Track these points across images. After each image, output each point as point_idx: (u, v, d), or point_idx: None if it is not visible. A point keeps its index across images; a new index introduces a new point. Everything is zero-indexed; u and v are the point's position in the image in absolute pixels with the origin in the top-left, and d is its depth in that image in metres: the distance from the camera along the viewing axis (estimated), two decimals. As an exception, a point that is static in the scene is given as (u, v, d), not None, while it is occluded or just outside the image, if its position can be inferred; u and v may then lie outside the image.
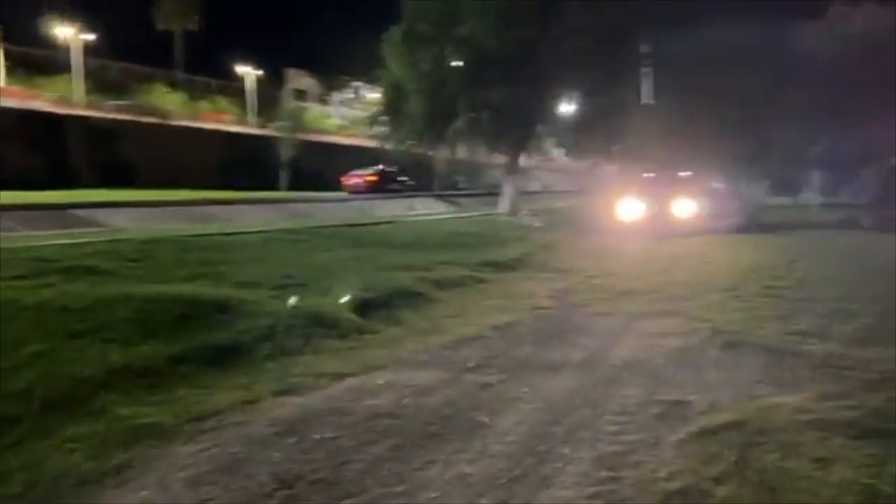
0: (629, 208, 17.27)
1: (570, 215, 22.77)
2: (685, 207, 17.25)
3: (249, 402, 4.45)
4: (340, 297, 7.59)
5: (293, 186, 37.16)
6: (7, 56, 41.80)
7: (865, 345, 5.26)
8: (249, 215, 17.81)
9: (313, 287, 8.04)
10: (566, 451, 3.49)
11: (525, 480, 3.15)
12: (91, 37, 46.07)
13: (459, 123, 21.26)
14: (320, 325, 6.44)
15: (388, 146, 24.19)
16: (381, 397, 4.51)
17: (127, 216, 14.82)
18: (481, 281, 9.44)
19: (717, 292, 7.95)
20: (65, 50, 44.99)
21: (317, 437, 3.80)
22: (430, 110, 19.49)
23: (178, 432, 3.95)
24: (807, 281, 8.57)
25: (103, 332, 5.51)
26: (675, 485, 2.98)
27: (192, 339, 5.62)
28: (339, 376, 5.06)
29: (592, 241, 14.50)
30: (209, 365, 5.23)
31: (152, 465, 3.54)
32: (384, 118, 23.37)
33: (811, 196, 34.92)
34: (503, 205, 22.89)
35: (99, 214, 14.42)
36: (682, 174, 18.82)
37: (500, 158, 47.57)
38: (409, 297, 8.05)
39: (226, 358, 5.39)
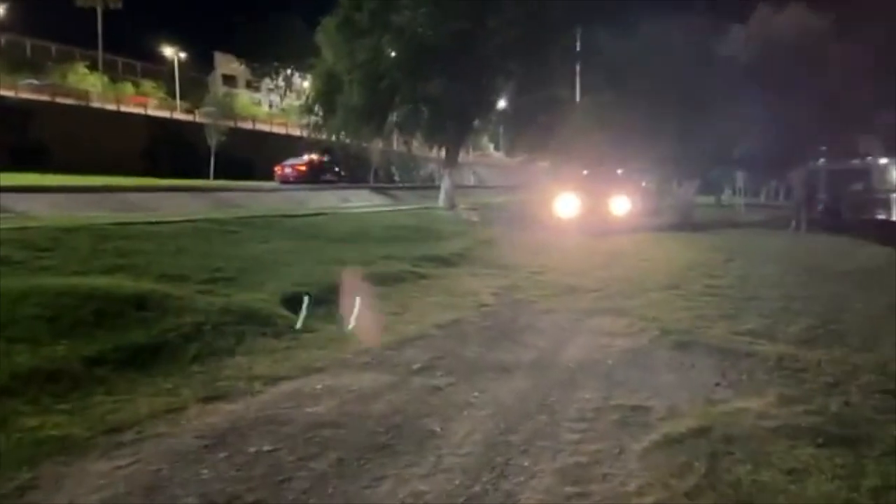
0: (566, 205, 17.32)
1: (507, 210, 22.75)
2: (620, 205, 17.44)
3: (174, 410, 4.02)
4: (275, 292, 7.17)
5: (221, 175, 35.87)
6: None
7: (813, 346, 5.26)
8: (175, 204, 16.89)
9: (245, 281, 7.57)
10: (526, 462, 3.26)
11: (485, 499, 2.89)
12: (0, 10, 43.16)
13: (397, 115, 20.86)
14: (253, 323, 6.02)
15: (323, 136, 23.52)
16: (322, 404, 4.16)
17: (39, 202, 13.75)
18: (423, 276, 9.15)
19: (660, 290, 7.93)
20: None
21: (251, 450, 3.43)
22: (367, 101, 19.00)
23: (92, 446, 3.50)
24: (746, 280, 8.67)
25: (8, 330, 4.94)
26: (646, 501, 2.78)
27: (110, 338, 5.11)
28: (275, 380, 4.68)
29: (531, 237, 14.42)
30: (129, 368, 4.74)
31: (62, 484, 3.10)
32: (318, 108, 22.67)
33: (732, 197, 36.32)
34: (441, 199, 22.65)
35: (7, 199, 13.30)
36: (617, 172, 19.02)
37: (436, 152, 47.54)
38: (339, 292, 7.66)
39: (148, 360, 4.91)
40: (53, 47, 52.00)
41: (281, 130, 53.98)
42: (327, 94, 21.29)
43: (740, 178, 34.78)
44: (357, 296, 7.66)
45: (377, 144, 30.52)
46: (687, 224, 18.02)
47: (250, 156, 40.94)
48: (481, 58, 19.76)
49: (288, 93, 72.13)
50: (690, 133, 18.27)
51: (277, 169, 29.76)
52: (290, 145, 43.15)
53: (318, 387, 4.53)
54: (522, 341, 5.72)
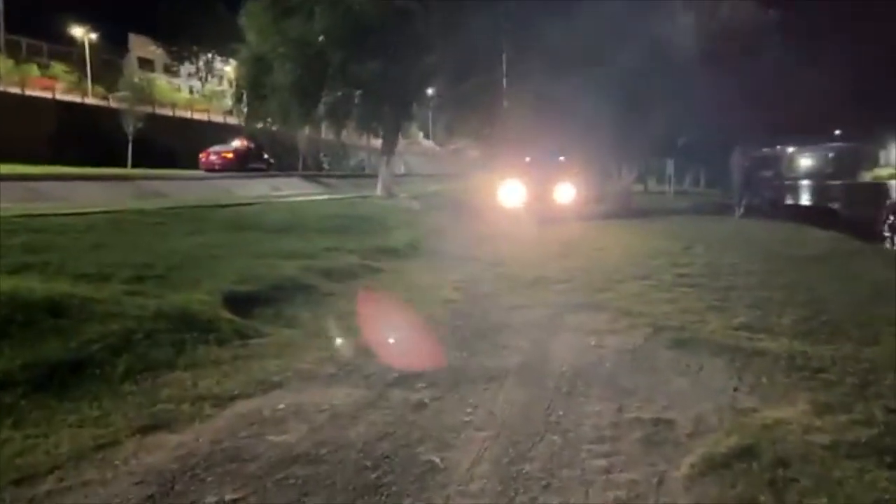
0: (510, 192, 16.90)
1: (448, 199, 22.20)
2: (564, 192, 17.16)
3: (105, 446, 3.24)
4: (214, 291, 6.34)
5: (141, 163, 33.75)
6: None
7: (816, 340, 4.93)
8: (90, 193, 15.47)
9: (178, 279, 6.70)
10: (556, 502, 2.68)
11: (522, 557, 2.30)
12: None
13: (330, 99, 19.92)
14: (193, 329, 5.22)
15: (250, 123, 22.28)
16: (290, 430, 3.47)
17: (-70, 192, 12.22)
18: (376, 270, 8.48)
19: (631, 281, 7.53)
20: None
21: (211, 501, 2.72)
22: (297, 83, 17.94)
23: (-6, 504, 2.71)
24: (715, 268, 8.40)
25: None
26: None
27: (19, 353, 4.23)
28: (227, 399, 3.95)
29: (479, 226, 13.93)
30: (44, 391, 3.90)
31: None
32: (245, 94, 21.39)
33: (658, 184, 37.01)
34: (378, 187, 21.87)
35: None
36: (560, 159, 18.75)
37: (365, 140, 46.52)
38: (297, 291, 6.94)
39: (68, 379, 4.07)
40: (-53, 25, 47.75)
41: (203, 117, 51.65)
42: (255, 79, 20.10)
43: (669, 165, 35.44)
44: (308, 294, 6.95)
45: (305, 132, 29.42)
46: (628, 211, 17.94)
47: (171, 143, 38.72)
48: (420, 37, 19.02)
49: (209, 78, 69.17)
50: (633, 121, 18.18)
51: (202, 156, 28.19)
52: (214, 132, 41.19)
53: (281, 406, 3.83)
54: (502, 342, 5.16)
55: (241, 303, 6.25)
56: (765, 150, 26.92)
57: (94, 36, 54.58)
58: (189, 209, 12.34)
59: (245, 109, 21.60)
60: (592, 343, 5.02)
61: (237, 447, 3.23)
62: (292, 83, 17.79)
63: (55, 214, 9.59)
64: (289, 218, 12.67)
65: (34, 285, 5.48)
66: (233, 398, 3.97)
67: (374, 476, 2.93)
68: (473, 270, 8.69)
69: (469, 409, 3.74)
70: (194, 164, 28.38)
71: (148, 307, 5.47)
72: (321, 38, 17.75)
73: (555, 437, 3.32)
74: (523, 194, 17.08)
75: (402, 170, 56.18)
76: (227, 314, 5.78)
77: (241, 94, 21.00)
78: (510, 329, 5.55)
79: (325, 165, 47.59)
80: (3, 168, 17.12)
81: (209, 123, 49.54)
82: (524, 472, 2.95)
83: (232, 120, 53.79)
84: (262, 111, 20.91)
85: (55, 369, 4.15)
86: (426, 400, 3.89)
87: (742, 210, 17.29)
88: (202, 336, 5.15)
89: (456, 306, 6.49)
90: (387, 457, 3.12)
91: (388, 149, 22.25)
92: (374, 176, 41.52)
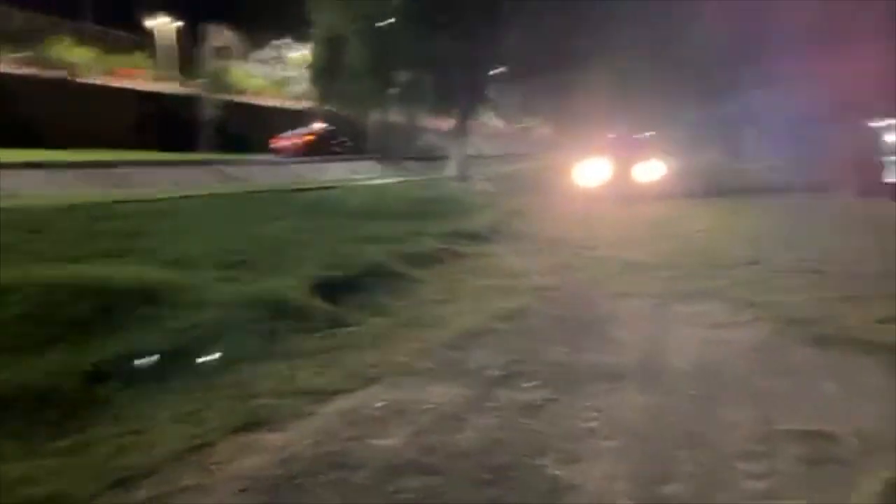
0: (592, 171, 16.24)
1: (523, 179, 21.65)
2: (647, 170, 16.36)
3: (202, 447, 3.04)
4: (304, 277, 6.16)
5: (216, 149, 34.57)
6: None
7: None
8: (173, 178, 15.79)
9: (267, 266, 6.56)
10: (717, 534, 2.29)
11: None
12: (-17, -21, 41.36)
13: (404, 79, 19.64)
14: (286, 317, 5.04)
15: (324, 106, 22.32)
16: (393, 432, 3.19)
17: (28, 179, 12.65)
18: (460, 255, 8.16)
19: (743, 266, 6.93)
20: (-48, -6, 40.23)
21: (320, 515, 2.46)
22: (371, 64, 17.72)
23: (93, 509, 2.54)
24: (838, 252, 7.64)
25: (-14, 337, 3.95)
26: None
27: (113, 343, 4.12)
28: (324, 395, 3.71)
29: (560, 207, 13.42)
30: (138, 383, 3.76)
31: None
32: (319, 77, 21.36)
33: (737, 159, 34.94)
34: (451, 169, 21.53)
35: (-7, 176, 12.22)
36: (645, 135, 17.91)
37: (436, 121, 46.14)
38: (384, 278, 6.68)
39: (161, 371, 3.93)
40: (41, 19, 50.16)
41: (275, 103, 52.48)
42: (328, 60, 20.06)
43: (753, 139, 33.49)
44: (395, 280, 6.69)
45: (377, 113, 29.36)
46: (717, 189, 16.94)
47: (245, 129, 39.45)
48: (495, 13, 18.45)
49: (281, 64, 70.26)
50: (722, 94, 17.13)
51: (277, 141, 28.52)
52: (285, 118, 41.75)
53: (380, 405, 3.55)
54: (611, 336, 4.74)
55: (329, 289, 6.04)
56: (881, 123, 24.98)
57: (174, 26, 56.30)
58: (270, 193, 12.37)
59: (320, 92, 21.60)
60: (715, 338, 4.54)
61: (341, 451, 2.97)
62: (365, 63, 17.59)
63: (143, 200, 9.72)
64: (369, 201, 12.50)
65: (127, 272, 5.42)
66: (330, 393, 3.73)
67: (495, 492, 2.60)
68: (564, 255, 8.25)
69: (589, 414, 3.36)
70: (267, 149, 28.76)
71: (239, 294, 5.32)
72: (392, 9, 17.43)
73: (697, 452, 2.91)
74: (606, 172, 16.40)
75: (471, 151, 55.70)
76: (317, 302, 5.58)
77: (314, 77, 20.98)
78: (617, 321, 5.12)
79: (394, 148, 47.56)
80: (92, 155, 17.72)
81: (280, 109, 50.27)
82: (673, 494, 2.56)
83: (304, 105, 54.71)
84: (335, 93, 20.90)
85: (149, 360, 4.02)
86: (538, 402, 3.54)
87: (855, 189, 15.99)
88: (295, 325, 4.96)
89: (552, 294, 6.10)
90: (503, 469, 2.79)
91: (461, 129, 21.85)
92: (444, 157, 41.52)
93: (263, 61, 67.70)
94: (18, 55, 38.79)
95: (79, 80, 39.99)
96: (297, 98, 57.04)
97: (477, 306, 5.69)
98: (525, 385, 3.79)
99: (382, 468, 2.82)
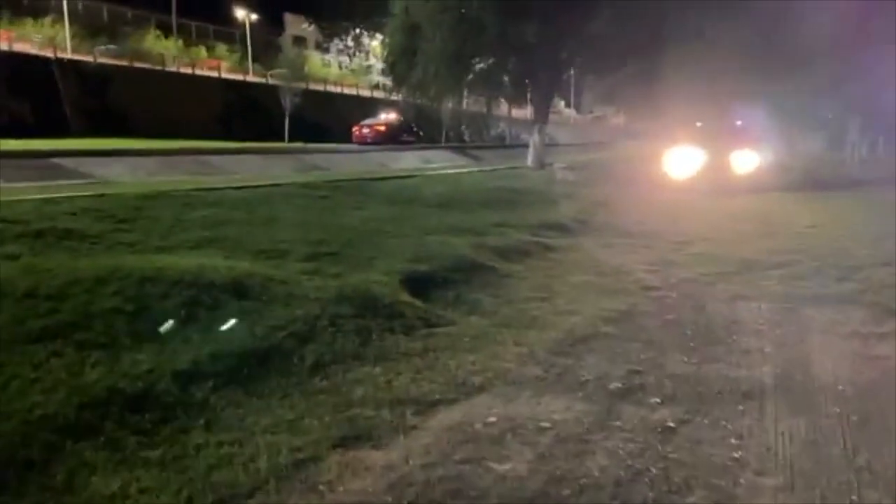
0: (680, 161, 15.43)
1: (603, 168, 20.94)
2: (744, 160, 15.41)
3: (305, 462, 2.78)
4: (391, 271, 5.91)
5: (295, 137, 35.11)
6: (-13, -4, 39.12)
7: None
8: (255, 166, 15.94)
9: (352, 258, 6.34)
10: None
11: None
12: (77, -25, 43.29)
13: (484, 66, 19.18)
14: (377, 315, 4.77)
15: (400, 95, 22.12)
16: (512, 454, 2.85)
17: (119, 166, 12.97)
18: (550, 248, 7.74)
19: (874, 268, 6.23)
20: (50, -11, 42.26)
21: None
22: (452, 51, 17.33)
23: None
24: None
25: (80, 332, 3.82)
26: None
27: (207, 341, 3.94)
28: (428, 405, 3.40)
29: (648, 198, 12.75)
30: (233, 385, 3.55)
31: None
32: (396, 64, 21.12)
33: (833, 151, 32.85)
34: (529, 157, 21.02)
35: (86, 164, 12.56)
36: (736, 124, 16.89)
37: (506, 110, 45.35)
38: (474, 272, 6.37)
39: (256, 372, 3.72)
40: (129, 12, 52.19)
41: (352, 91, 53.08)
42: (407, 47, 19.80)
43: (853, 131, 31.43)
44: (485, 275, 6.35)
45: (452, 102, 29.02)
46: (819, 182, 15.81)
47: (322, 118, 40.02)
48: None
49: (357, 53, 71.06)
50: (823, 84, 15.91)
51: (355, 129, 28.66)
52: (362, 106, 42.10)
53: (492, 419, 3.22)
54: (739, 345, 4.25)
55: (418, 284, 5.77)
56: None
57: (254, 17, 57.58)
58: (350, 182, 12.23)
59: (396, 80, 21.42)
60: (863, 351, 3.98)
61: (458, 477, 2.65)
62: (446, 50, 17.24)
63: (228, 188, 9.71)
64: (448, 191, 12.21)
65: (217, 263, 5.28)
66: (434, 404, 3.42)
67: (646, 540, 2.21)
68: (660, 250, 7.71)
69: (733, 441, 2.93)
70: (344, 138, 28.94)
71: (329, 289, 5.10)
72: (476, 1, 16.95)
73: (878, 495, 2.43)
74: (696, 162, 15.56)
75: (545, 139, 54.71)
76: (407, 297, 5.31)
77: (391, 64, 20.78)
78: (741, 327, 4.61)
79: (466, 137, 47.31)
80: (179, 144, 18.13)
81: (357, 98, 50.89)
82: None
83: (379, 94, 55.12)
84: (413, 81, 20.66)
85: (243, 360, 3.82)
86: (671, 422, 3.12)
87: None
88: (387, 323, 4.69)
89: (659, 295, 5.61)
90: (650, 507, 2.40)
91: (541, 117, 21.25)
92: (516, 146, 40.86)
93: (340, 50, 68.74)
94: (108, 47, 40.54)
95: (166, 70, 41.54)
96: (374, 87, 57.62)
97: (579, 306, 5.28)
98: (651, 401, 3.38)
99: (506, 498, 2.48)
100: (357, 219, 8.43)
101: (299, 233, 7.13)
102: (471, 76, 19.29)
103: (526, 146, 22.30)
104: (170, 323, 4.11)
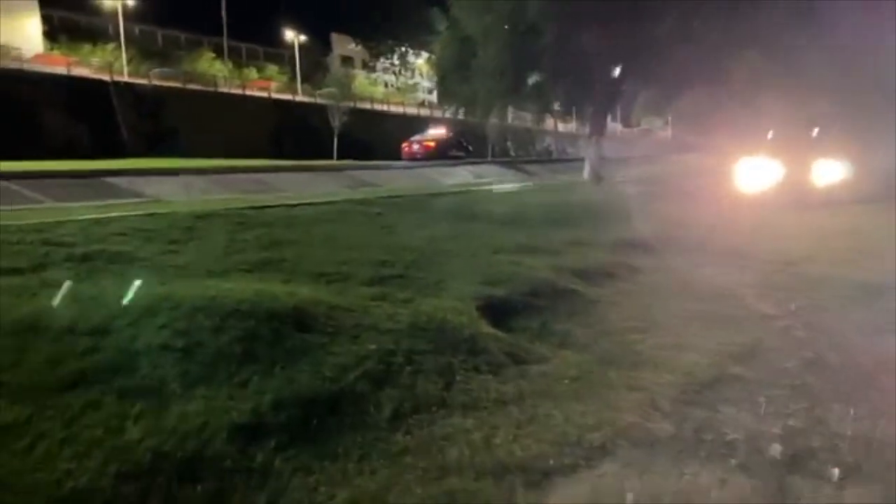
0: (752, 174, 14.43)
1: (662, 182, 19.98)
2: (822, 171, 14.33)
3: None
4: (465, 296, 5.25)
5: (343, 155, 35.02)
6: (46, 21, 40.41)
7: None
8: (307, 184, 15.57)
9: (420, 280, 5.72)
10: None
11: None
12: (132, 1, 44.46)
13: (540, 79, 18.53)
14: (456, 349, 4.12)
15: (450, 111, 21.66)
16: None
17: (171, 185, 12.73)
18: (636, 270, 6.98)
19: None
20: (106, 15, 43.48)
21: None
22: (508, 64, 16.70)
23: None
24: None
25: (121, 377, 3.26)
26: None
27: (268, 384, 3.35)
28: (540, 475, 2.72)
29: (725, 213, 11.81)
30: (300, 443, 2.92)
31: None
32: (448, 79, 20.64)
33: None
34: (586, 171, 20.21)
35: (138, 183, 12.35)
36: (812, 134, 15.80)
37: (553, 124, 44.36)
38: (556, 297, 5.66)
39: (327, 426, 3.09)
40: (182, 36, 53.45)
41: (398, 109, 53.25)
42: (458, 62, 19.30)
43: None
44: (570, 300, 5.64)
45: (493, 118, 28.58)
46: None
47: (370, 136, 40.00)
48: (636, 6, 16.89)
49: (403, 71, 71.51)
50: None
51: (405, 145, 28.37)
52: (408, 124, 41.96)
53: (630, 500, 2.50)
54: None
55: (497, 311, 5.10)
56: None
57: (302, 38, 58.36)
58: (405, 198, 11.68)
59: (446, 94, 20.95)
60: None
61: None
62: (501, 62, 16.63)
63: (283, 206, 9.24)
64: (508, 207, 11.54)
65: (276, 289, 4.71)
66: (548, 473, 2.73)
67: None
68: (761, 271, 6.88)
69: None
70: (391, 155, 28.63)
71: (400, 318, 4.48)
72: (533, 15, 16.32)
73: None
74: (770, 175, 14.54)
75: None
76: (487, 327, 4.65)
77: (444, 78, 20.31)
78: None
79: (512, 152, 46.72)
80: (230, 162, 17.96)
81: (404, 115, 50.98)
82: None
83: (425, 111, 55.07)
84: (464, 95, 20.16)
85: (310, 408, 3.20)
86: (871, 507, 2.35)
87: None
88: (470, 359, 4.02)
89: (782, 326, 4.81)
90: None
91: (597, 130, 20.43)
92: (564, 160, 39.98)
93: (386, 69, 69.26)
94: (162, 70, 41.41)
95: (218, 91, 42.20)
96: (420, 104, 57.64)
97: (691, 339, 4.52)
98: (833, 475, 2.61)
99: None
100: (418, 237, 7.82)
101: (360, 253, 6.55)
102: (526, 89, 18.62)
103: (573, 160, 21.56)
104: (224, 362, 3.54)
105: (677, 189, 17.47)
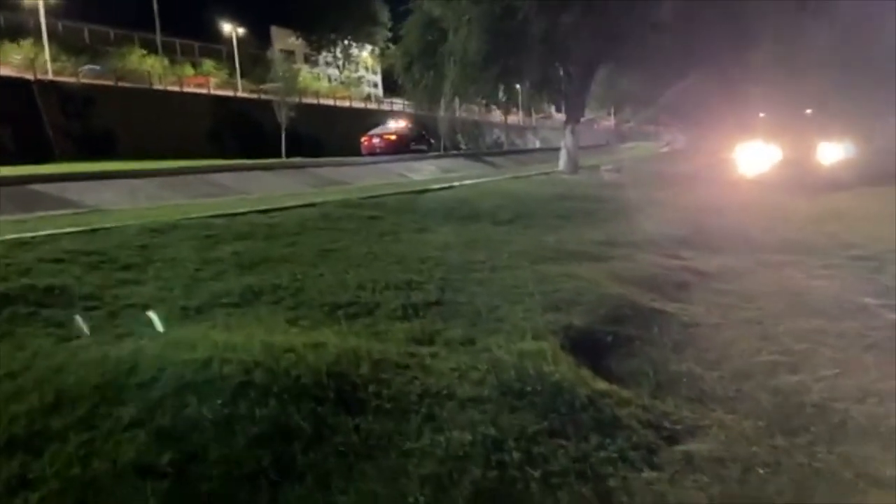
0: (753, 157, 13.54)
1: (642, 170, 19.09)
2: (830, 153, 13.52)
3: None
4: (536, 330, 3.90)
5: (293, 152, 33.15)
6: (-40, 19, 37.03)
7: None
8: (269, 184, 13.91)
9: (465, 308, 4.36)
10: None
11: None
12: (54, -2, 41.19)
13: (515, 65, 17.24)
14: (579, 425, 2.78)
15: (413, 102, 20.22)
16: None
17: (112, 191, 10.89)
18: (705, 274, 5.77)
19: None
20: (27, 11, 40.15)
21: None
22: (489, 46, 15.31)
23: None
24: None
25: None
26: None
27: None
28: None
29: (738, 199, 10.85)
30: None
31: None
32: (412, 67, 19.11)
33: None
34: (562, 162, 19.10)
35: (73, 190, 10.48)
36: (806, 113, 15.02)
37: (501, 117, 43.33)
38: (644, 320, 4.37)
39: None
40: (111, 32, 50.15)
41: (344, 104, 51.54)
42: (425, 50, 17.86)
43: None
44: (660, 325, 4.35)
45: (441, 111, 27.38)
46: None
47: (317, 131, 38.20)
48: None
49: (347, 65, 69.63)
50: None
51: (364, 139, 26.80)
52: (355, 118, 40.40)
53: None
54: None
55: (587, 350, 3.79)
56: None
57: (240, 31, 55.64)
58: (388, 197, 10.22)
59: (411, 84, 19.49)
60: None
61: None
62: (477, 46, 15.26)
63: (253, 212, 7.69)
64: (506, 203, 10.23)
65: (291, 339, 3.26)
66: None
67: None
68: (852, 269, 5.75)
69: None
70: (342, 151, 27.03)
71: (476, 374, 3.14)
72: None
73: None
74: (766, 158, 13.68)
75: (538, 144, 52.95)
76: (596, 380, 3.30)
77: (409, 64, 18.82)
78: None
79: (462, 145, 45.56)
80: (178, 163, 16.10)
81: (351, 109, 49.47)
82: None
83: (372, 105, 53.32)
84: (430, 84, 18.77)
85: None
86: None
87: None
88: (608, 443, 2.68)
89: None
90: None
91: (574, 118, 19.30)
92: (517, 152, 39.02)
93: (329, 63, 67.08)
94: (91, 67, 38.51)
95: (153, 88, 39.56)
96: (366, 98, 55.86)
97: (868, 379, 3.29)
98: None
99: None
100: (430, 246, 6.43)
101: (372, 271, 5.13)
102: (503, 73, 17.29)
103: (529, 151, 20.38)
104: (247, 491, 2.10)
105: (660, 175, 16.56)
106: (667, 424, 2.96)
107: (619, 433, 2.79)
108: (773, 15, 15.33)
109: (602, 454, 2.58)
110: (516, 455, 2.48)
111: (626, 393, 3.25)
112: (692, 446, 2.77)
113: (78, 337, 3.39)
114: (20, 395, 2.61)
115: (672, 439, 2.83)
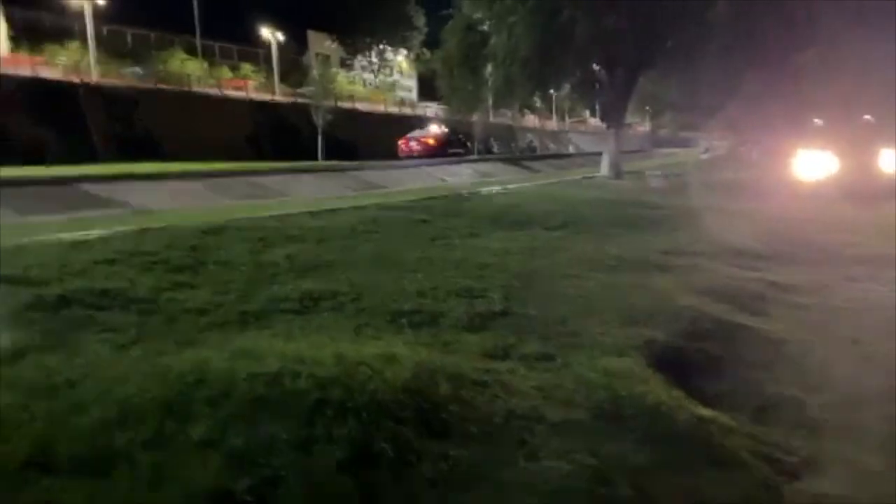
0: (810, 164, 13.01)
1: (688, 175, 18.57)
2: (885, 161, 12.96)
3: None
4: (620, 346, 3.61)
5: (329, 155, 33.17)
6: (10, 22, 37.91)
7: None
8: (312, 187, 13.80)
9: (536, 321, 4.08)
10: None
11: None
12: (101, 1, 42.03)
13: (571, 65, 16.89)
14: (686, 456, 2.50)
15: (452, 107, 20.06)
16: None
17: (157, 192, 10.86)
18: (784, 288, 5.40)
19: None
20: (72, 15, 41.00)
21: None
22: (536, 48, 14.98)
23: None
24: None
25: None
26: None
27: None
28: None
29: (801, 208, 10.39)
30: None
31: None
32: (455, 72, 18.85)
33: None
34: (604, 167, 18.69)
35: (121, 191, 10.47)
36: (865, 118, 14.42)
37: (536, 121, 42.71)
38: (728, 337, 4.06)
39: None
40: (152, 35, 51.05)
41: (379, 108, 51.57)
42: (468, 54, 17.60)
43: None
44: (748, 343, 4.03)
45: (477, 116, 27.13)
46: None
47: (353, 135, 38.21)
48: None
49: (381, 69, 69.88)
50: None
51: (402, 143, 26.68)
52: (389, 123, 40.34)
53: None
54: None
55: (675, 368, 3.50)
56: None
57: (279, 35, 56.17)
58: (435, 201, 10.00)
59: (454, 89, 19.28)
60: None
61: None
62: (526, 48, 14.94)
63: (303, 213, 7.52)
64: (555, 209, 9.89)
65: (364, 350, 3.03)
66: None
67: None
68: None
69: None
70: (377, 155, 26.91)
71: (562, 394, 2.93)
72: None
73: None
74: (824, 166, 13.14)
75: (571, 149, 52.39)
76: (693, 404, 3.01)
77: (450, 70, 18.60)
78: None
79: (495, 149, 45.20)
80: (223, 164, 16.11)
81: (385, 114, 49.39)
82: None
83: (407, 110, 53.27)
84: (474, 90, 18.58)
85: None
86: None
87: None
88: (721, 477, 2.40)
89: None
90: None
91: (616, 123, 18.89)
92: (551, 157, 38.54)
93: (364, 67, 67.48)
94: (133, 70, 39.15)
95: (193, 91, 40.04)
96: (399, 103, 55.96)
97: None
98: None
99: None
100: (487, 252, 6.16)
101: (430, 278, 4.88)
102: (550, 76, 16.97)
103: (565, 156, 20.03)
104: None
105: (710, 182, 16.05)
106: (781, 457, 2.66)
107: (733, 467, 2.50)
108: (828, 19, 14.78)
109: (722, 492, 2.29)
110: (626, 491, 2.21)
111: (726, 418, 2.96)
112: (817, 484, 2.46)
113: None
114: (81, 408, 2.42)
115: (792, 475, 2.53)
